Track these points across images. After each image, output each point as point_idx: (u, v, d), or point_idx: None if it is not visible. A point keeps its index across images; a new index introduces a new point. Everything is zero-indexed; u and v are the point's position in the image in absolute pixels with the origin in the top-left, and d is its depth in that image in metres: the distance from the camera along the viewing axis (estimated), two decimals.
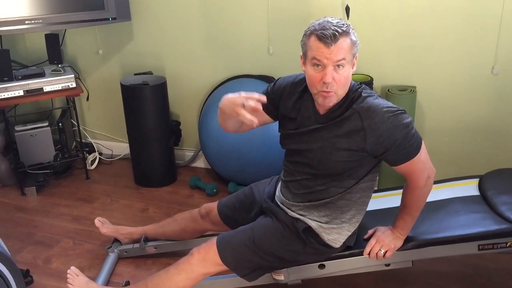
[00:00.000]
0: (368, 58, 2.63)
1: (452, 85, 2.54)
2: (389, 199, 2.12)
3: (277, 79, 1.85)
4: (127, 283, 2.06)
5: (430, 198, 2.05)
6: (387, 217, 1.99)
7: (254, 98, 1.61)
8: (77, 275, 2.03)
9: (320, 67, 1.56)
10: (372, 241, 1.80)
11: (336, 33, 1.52)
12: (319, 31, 1.53)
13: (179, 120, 3.14)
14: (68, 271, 2.05)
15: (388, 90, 2.56)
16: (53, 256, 2.41)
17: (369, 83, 2.54)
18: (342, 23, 1.56)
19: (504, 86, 2.46)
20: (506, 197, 1.94)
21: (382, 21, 2.55)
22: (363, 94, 1.64)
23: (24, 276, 2.17)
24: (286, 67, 2.76)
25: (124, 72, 3.22)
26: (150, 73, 3.05)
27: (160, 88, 2.87)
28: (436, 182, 2.18)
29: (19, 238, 2.55)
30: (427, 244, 1.80)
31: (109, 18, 2.83)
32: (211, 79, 3.02)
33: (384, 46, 2.59)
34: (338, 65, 1.55)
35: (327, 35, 1.52)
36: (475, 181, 2.13)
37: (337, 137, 1.64)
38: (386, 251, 1.78)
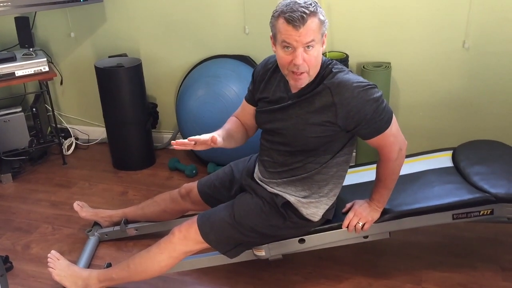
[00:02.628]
0: (343, 35, 2.65)
1: (425, 60, 2.58)
2: (366, 173, 2.16)
3: (253, 72, 1.89)
4: (109, 265, 2.06)
5: (405, 171, 2.10)
6: (365, 191, 2.03)
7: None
8: (58, 259, 2.02)
9: (290, 49, 1.56)
10: (350, 214, 1.84)
11: (304, 15, 1.51)
12: (287, 14, 1.52)
13: (156, 103, 3.12)
14: (49, 255, 2.04)
15: (364, 67, 2.59)
16: (32, 241, 2.39)
17: (344, 60, 2.56)
18: (309, 2, 1.55)
19: (475, 60, 2.51)
20: (478, 168, 2.00)
21: None
22: (334, 70, 1.65)
23: (4, 262, 2.15)
24: (263, 46, 2.77)
25: (98, 54, 3.16)
26: (124, 55, 3.01)
27: (136, 70, 2.84)
28: (411, 156, 2.24)
29: None
30: (403, 215, 1.85)
31: (80, 0, 2.77)
32: (187, 60, 2.99)
33: (358, 23, 2.61)
34: (308, 46, 1.55)
35: (295, 18, 1.51)
36: (449, 153, 2.18)
37: (309, 113, 1.66)
38: (364, 224, 1.82)
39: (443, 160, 2.14)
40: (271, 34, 1.64)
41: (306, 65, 1.58)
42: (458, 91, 2.59)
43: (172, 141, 1.63)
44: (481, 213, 1.83)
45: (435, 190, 1.92)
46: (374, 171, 2.19)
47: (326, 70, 1.66)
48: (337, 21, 2.63)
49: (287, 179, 1.79)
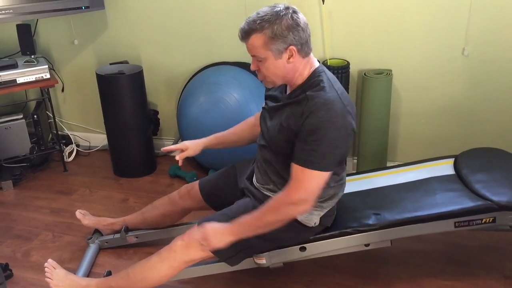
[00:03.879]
0: (344, 42, 2.65)
1: (426, 67, 2.58)
2: (368, 181, 2.15)
3: None
4: (109, 273, 2.04)
5: (407, 179, 2.11)
6: (366, 198, 2.03)
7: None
8: (55, 268, 1.99)
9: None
10: (195, 227, 1.76)
11: (243, 32, 1.60)
12: (241, 26, 1.61)
13: (157, 109, 3.12)
14: (46, 264, 2.00)
15: (365, 74, 2.59)
16: (32, 249, 2.38)
17: (345, 67, 2.56)
18: (260, 18, 1.56)
19: (475, 67, 2.50)
20: (480, 175, 1.99)
21: (357, 6, 2.57)
22: (322, 84, 1.63)
23: (4, 270, 2.15)
24: None
25: (99, 61, 3.17)
26: (126, 62, 3.01)
27: (137, 77, 2.84)
28: (412, 163, 2.24)
29: None
30: (405, 223, 1.83)
31: (82, 7, 2.78)
32: (188, 67, 2.99)
33: (359, 30, 2.61)
34: (257, 59, 1.62)
35: (239, 33, 1.62)
36: (451, 161, 2.17)
37: (286, 118, 1.67)
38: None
39: (445, 167, 2.13)
40: None
41: (262, 73, 1.65)
42: (459, 98, 2.59)
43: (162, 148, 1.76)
44: (483, 221, 1.82)
45: (437, 198, 1.91)
46: (376, 178, 2.20)
47: (314, 81, 1.65)
48: (338, 28, 2.63)
49: (278, 184, 1.79)
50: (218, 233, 1.70)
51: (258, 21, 1.56)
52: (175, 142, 3.19)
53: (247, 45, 1.62)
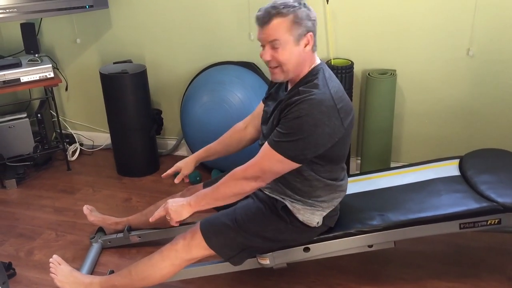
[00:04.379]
0: (348, 42, 2.64)
1: (430, 68, 2.57)
2: (371, 182, 2.14)
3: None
4: (111, 272, 2.05)
5: (412, 179, 2.10)
6: (370, 199, 2.02)
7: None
8: (60, 264, 2.01)
9: (263, 46, 1.64)
10: (161, 207, 1.77)
11: (268, 14, 1.57)
12: (258, 13, 1.61)
13: (161, 109, 3.12)
14: (51, 259, 2.02)
15: (369, 74, 2.58)
16: (35, 248, 2.38)
17: (349, 67, 2.55)
18: (286, 4, 1.58)
19: (479, 68, 2.49)
20: (485, 177, 1.98)
21: (362, 6, 2.56)
22: (316, 81, 1.63)
23: (7, 269, 2.15)
24: None
25: (103, 61, 3.17)
26: (129, 61, 3.01)
27: (140, 77, 2.84)
28: (417, 164, 2.23)
29: (0, 231, 2.51)
30: (409, 224, 1.82)
31: (86, 6, 2.78)
32: (191, 66, 2.99)
33: (364, 30, 2.60)
34: (274, 45, 1.60)
35: (259, 17, 1.60)
36: (456, 162, 2.16)
37: (277, 114, 1.67)
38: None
39: (450, 168, 2.12)
40: None
41: (274, 61, 1.62)
42: (464, 99, 2.57)
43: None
44: (488, 223, 1.81)
45: (442, 199, 1.90)
46: (380, 179, 2.18)
47: (310, 78, 1.65)
48: (342, 28, 2.62)
49: (278, 186, 1.78)
50: (178, 206, 1.71)
51: (281, 6, 1.57)
52: (178, 142, 3.19)
53: (265, 30, 1.59)
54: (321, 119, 1.56)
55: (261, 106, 1.98)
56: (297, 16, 1.58)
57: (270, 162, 1.61)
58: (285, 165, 1.61)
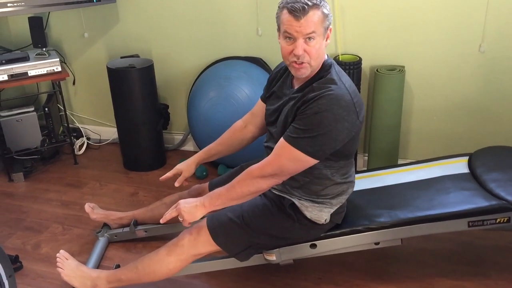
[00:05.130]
0: (357, 38, 2.62)
1: (440, 64, 2.54)
2: (379, 178, 2.13)
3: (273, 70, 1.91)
4: (118, 267, 2.05)
5: (420, 176, 2.08)
6: (378, 196, 2.01)
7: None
8: (67, 259, 2.02)
9: (291, 39, 1.57)
10: (173, 207, 1.75)
11: (306, 6, 1.53)
12: (290, 4, 1.54)
13: (167, 104, 3.11)
14: (58, 254, 2.03)
15: (377, 70, 2.55)
16: (42, 241, 2.39)
17: (357, 63, 2.53)
18: None
19: (491, 64, 2.46)
20: (495, 174, 1.95)
21: (370, 1, 2.53)
22: (330, 76, 1.62)
23: (13, 262, 2.16)
24: (275, 48, 2.72)
25: (110, 55, 3.17)
26: (136, 56, 3.00)
27: (147, 71, 2.84)
28: (426, 161, 2.21)
29: (7, 224, 2.53)
30: (417, 222, 1.81)
31: (93, 0, 2.78)
32: (199, 61, 2.98)
33: (372, 26, 2.57)
34: (309, 38, 1.56)
35: (296, 8, 1.53)
36: (465, 159, 2.14)
37: (293, 110, 1.65)
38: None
39: (459, 166, 2.10)
40: (277, 26, 1.65)
41: (307, 55, 1.58)
42: (474, 96, 2.54)
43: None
44: (497, 221, 1.79)
45: (451, 197, 1.88)
46: (387, 176, 2.17)
47: (324, 73, 1.64)
48: (350, 23, 2.60)
49: (286, 185, 1.77)
50: (191, 206, 1.70)
51: None
52: (185, 137, 3.19)
53: (303, 22, 1.53)
54: (341, 114, 1.55)
55: (260, 104, 1.96)
56: (326, 8, 1.57)
57: (288, 159, 1.59)
58: (303, 162, 1.59)
